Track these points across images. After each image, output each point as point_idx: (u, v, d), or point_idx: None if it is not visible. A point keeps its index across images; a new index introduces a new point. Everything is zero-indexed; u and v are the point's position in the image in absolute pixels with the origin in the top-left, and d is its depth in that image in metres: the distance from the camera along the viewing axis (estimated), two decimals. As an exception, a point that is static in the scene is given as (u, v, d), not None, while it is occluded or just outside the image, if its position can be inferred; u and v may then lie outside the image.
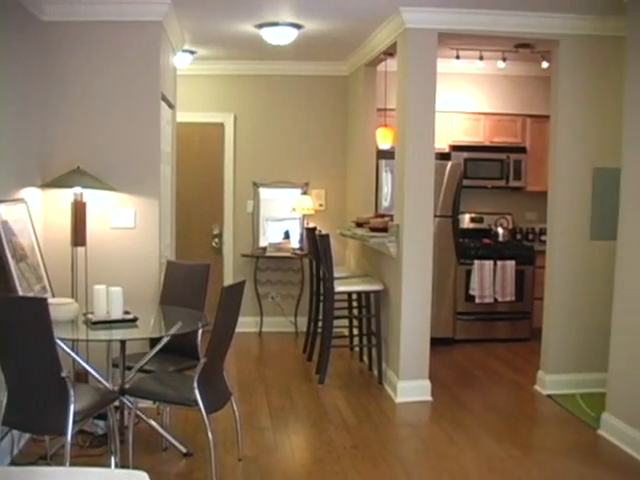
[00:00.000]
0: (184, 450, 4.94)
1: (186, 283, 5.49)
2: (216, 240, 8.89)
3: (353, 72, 8.53)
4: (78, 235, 5.46)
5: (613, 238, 5.53)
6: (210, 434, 4.33)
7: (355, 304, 7.46)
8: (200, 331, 4.92)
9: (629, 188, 5.31)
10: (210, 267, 5.54)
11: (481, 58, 8.09)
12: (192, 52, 7.78)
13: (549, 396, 6.40)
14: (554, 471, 4.85)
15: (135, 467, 4.26)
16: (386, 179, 8.39)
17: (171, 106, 6.73)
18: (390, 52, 6.97)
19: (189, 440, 5.08)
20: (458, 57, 8.00)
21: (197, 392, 4.34)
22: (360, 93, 8.22)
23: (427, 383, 6.30)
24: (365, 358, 7.37)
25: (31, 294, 4.86)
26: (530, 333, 8.48)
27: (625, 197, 5.36)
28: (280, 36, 6.71)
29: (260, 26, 6.61)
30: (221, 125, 8.80)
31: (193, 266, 5.66)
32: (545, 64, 7.96)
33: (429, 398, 6.26)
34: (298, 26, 6.62)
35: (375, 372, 6.87)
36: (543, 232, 8.37)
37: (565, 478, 4.75)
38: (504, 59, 8.18)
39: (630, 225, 5.28)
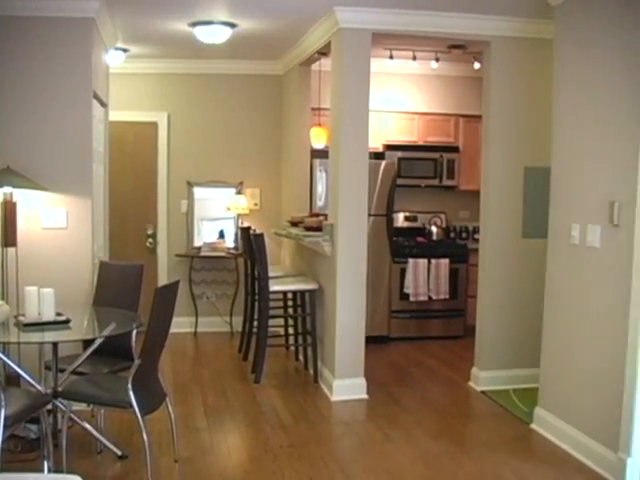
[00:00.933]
0: (119, 453, 4.88)
1: (120, 284, 5.42)
2: (150, 240, 8.81)
3: (287, 71, 8.53)
4: (8, 235, 5.36)
5: (544, 236, 5.63)
6: (145, 436, 4.28)
7: (290, 303, 7.46)
8: (134, 332, 4.88)
9: (558, 187, 5.42)
10: (144, 267, 5.49)
11: (414, 58, 8.15)
12: (125, 50, 7.69)
13: (483, 392, 6.49)
14: (489, 466, 4.92)
15: (69, 471, 4.20)
16: (320, 178, 8.41)
17: (103, 105, 6.63)
18: (324, 52, 6.98)
19: (124, 442, 5.02)
20: (392, 57, 8.06)
21: (132, 394, 4.29)
22: (294, 92, 8.23)
23: (362, 381, 6.34)
24: (301, 357, 7.37)
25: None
26: (464, 330, 8.59)
27: (554, 196, 5.46)
28: (214, 35, 6.66)
29: (194, 24, 6.56)
30: (155, 124, 8.71)
31: (127, 266, 5.60)
32: (477, 65, 8.07)
33: (365, 396, 6.30)
34: (232, 25, 6.59)
35: (311, 371, 6.88)
36: (476, 230, 8.50)
37: (500, 472, 4.81)
38: (437, 59, 8.26)
39: (559, 223, 5.38)
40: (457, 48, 7.39)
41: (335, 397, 6.25)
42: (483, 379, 6.58)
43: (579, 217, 5.12)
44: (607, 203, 4.79)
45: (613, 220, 4.73)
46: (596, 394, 4.93)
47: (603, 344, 4.86)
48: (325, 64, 7.46)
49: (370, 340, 6.83)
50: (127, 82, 8.34)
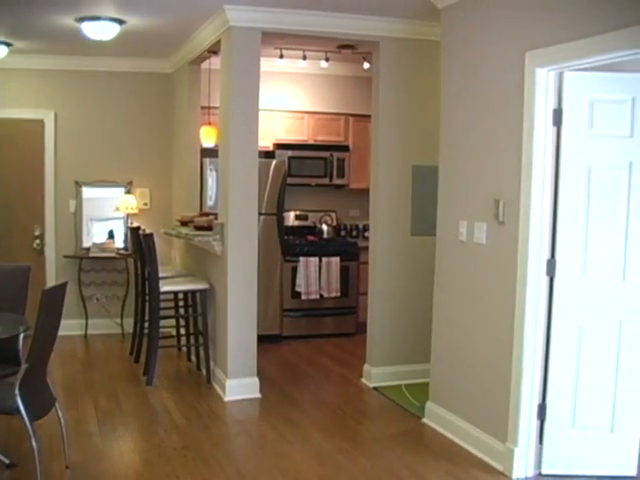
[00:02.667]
0: (7, 461, 4.71)
1: (5, 286, 5.26)
2: (37, 241, 8.56)
3: (177, 69, 8.44)
4: None
5: (432, 233, 5.74)
6: (34, 442, 4.15)
7: (182, 303, 7.40)
8: (21, 336, 4.74)
9: (445, 185, 5.54)
10: (31, 269, 5.35)
11: (304, 58, 8.20)
12: (8, 44, 7.43)
13: (375, 388, 6.57)
14: (383, 461, 4.99)
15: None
16: (211, 177, 8.35)
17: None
18: (214, 50, 6.94)
19: (12, 450, 4.85)
20: (282, 56, 8.07)
21: (19, 399, 4.16)
22: (184, 91, 8.14)
23: (255, 381, 6.33)
24: (193, 358, 7.31)
25: None
26: (356, 328, 8.67)
27: (442, 194, 5.59)
28: (101, 31, 6.52)
29: (81, 20, 6.39)
30: (41, 122, 8.45)
31: (13, 268, 5.44)
32: (366, 65, 8.17)
33: (258, 395, 6.29)
34: (120, 21, 6.46)
35: (203, 371, 6.83)
36: (366, 228, 8.59)
37: (393, 467, 4.88)
38: (327, 59, 8.33)
39: (447, 221, 5.50)
40: (347, 48, 7.47)
41: (228, 397, 6.22)
42: (375, 375, 6.67)
43: (466, 215, 5.25)
44: (492, 201, 4.93)
45: (498, 218, 4.87)
46: (484, 387, 5.07)
47: (490, 338, 5.00)
48: (215, 62, 7.41)
49: (262, 339, 6.84)
50: (11, 78, 8.11)
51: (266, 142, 8.66)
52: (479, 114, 5.12)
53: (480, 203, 5.08)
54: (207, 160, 8.34)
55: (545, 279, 4.63)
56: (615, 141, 4.54)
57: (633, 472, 3.94)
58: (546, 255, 4.62)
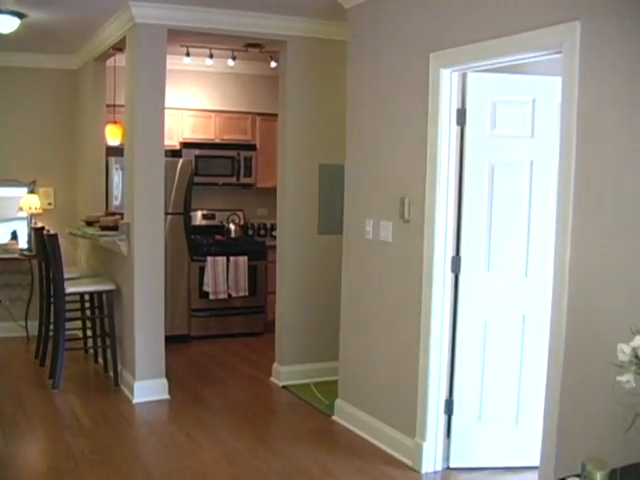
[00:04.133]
0: None
1: None
2: (-64, 243, 8.30)
3: (82, 66, 8.27)
4: None
5: (339, 232, 5.79)
6: None
7: (88, 305, 7.26)
8: None
9: (352, 184, 5.59)
10: None
11: (211, 56, 8.16)
12: None
13: (285, 387, 6.60)
14: (293, 459, 5.00)
15: None
16: (117, 177, 8.23)
17: None
18: (120, 47, 6.83)
19: None
20: (188, 54, 8.01)
21: None
22: (89, 88, 7.99)
23: (164, 382, 6.26)
24: (100, 360, 7.19)
25: None
26: (265, 327, 8.66)
27: (349, 192, 5.63)
28: (1, 24, 6.33)
29: (-23, 12, 6.21)
30: (-61, 120, 8.19)
31: None
32: (274, 64, 8.17)
33: (167, 397, 6.23)
34: (20, 15, 6.28)
35: (111, 373, 6.71)
36: (274, 227, 8.59)
37: (304, 465, 4.90)
38: (234, 58, 8.30)
39: (353, 219, 5.55)
40: (254, 47, 7.48)
41: (137, 399, 6.14)
42: (284, 374, 6.68)
43: (372, 213, 5.31)
44: (398, 200, 5.00)
45: (404, 216, 4.95)
46: (392, 384, 5.14)
47: (397, 335, 5.07)
48: (121, 60, 7.29)
49: (171, 340, 6.76)
50: None
51: (172, 141, 8.57)
52: (385, 114, 5.18)
53: (386, 201, 5.15)
54: (112, 159, 8.21)
55: (450, 276, 4.73)
56: (517, 141, 4.66)
57: (536, 462, 4.06)
58: (451, 252, 4.71)
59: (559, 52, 3.79)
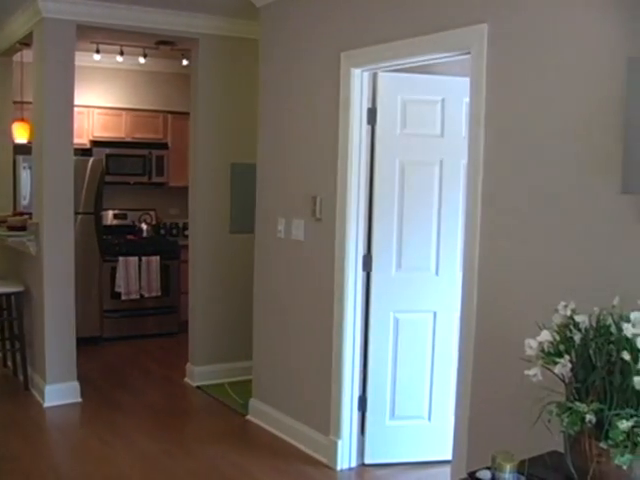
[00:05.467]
0: None
1: None
2: None
3: (-14, 62, 8.06)
4: None
5: (251, 231, 5.79)
6: None
7: (-5, 307, 7.09)
8: None
9: (263, 183, 5.59)
10: None
11: (122, 53, 8.04)
12: None
13: (199, 387, 6.55)
14: (208, 460, 4.98)
15: None
16: (25, 175, 8.04)
17: None
18: (27, 42, 6.66)
19: None
20: (98, 51, 7.86)
21: None
22: (-6, 84, 7.80)
23: (76, 385, 6.15)
24: (10, 363, 7.01)
25: None
26: (178, 327, 8.58)
27: (260, 191, 5.63)
28: None
29: None
30: None
31: None
32: (185, 62, 8.10)
33: (79, 400, 6.11)
34: None
35: (21, 377, 6.55)
36: (187, 227, 8.51)
37: (220, 465, 4.89)
38: (145, 55, 8.20)
39: (265, 218, 5.55)
40: (165, 44, 7.40)
41: (47, 403, 6.01)
42: (198, 374, 6.64)
43: (284, 212, 5.32)
44: (310, 198, 5.02)
45: (316, 214, 4.97)
46: (306, 382, 5.15)
47: (311, 333, 5.09)
48: (28, 55, 7.11)
49: (82, 342, 6.65)
50: None
51: (82, 139, 8.42)
52: (296, 112, 5.20)
53: (298, 200, 5.16)
54: (20, 157, 8.02)
55: (362, 274, 4.77)
56: (427, 140, 4.73)
57: (449, 456, 4.14)
58: (362, 251, 4.76)
59: (467, 53, 3.86)
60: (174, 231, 9.46)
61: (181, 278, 8.62)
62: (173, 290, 8.74)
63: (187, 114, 7.11)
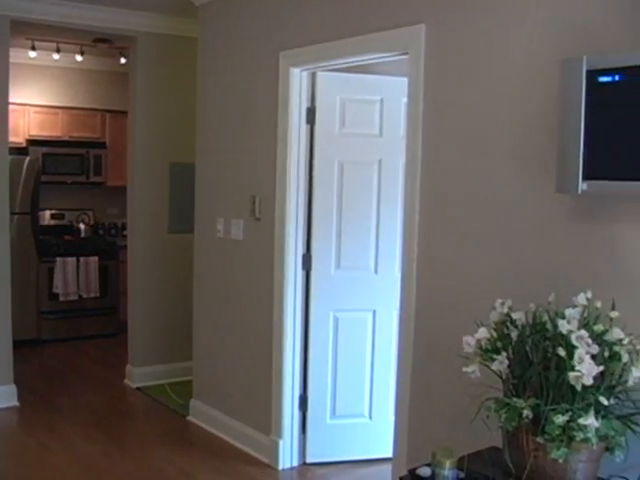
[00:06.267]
0: None
1: None
2: None
3: None
4: None
5: (191, 231, 5.75)
6: None
7: None
8: None
9: (202, 182, 5.56)
10: None
11: (58, 50, 7.91)
12: None
13: (139, 389, 6.50)
14: (149, 462, 4.94)
15: None
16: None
17: None
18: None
19: None
20: (34, 48, 7.71)
21: None
22: None
23: (13, 388, 6.03)
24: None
25: None
26: (118, 328, 8.48)
27: (199, 191, 5.60)
28: None
29: None
30: None
31: None
32: (123, 60, 8.01)
33: (16, 404, 6.00)
34: None
35: (-46, 382, 6.44)
36: (125, 227, 8.43)
37: (160, 467, 4.85)
38: (82, 53, 8.08)
39: (204, 218, 5.53)
40: (103, 42, 7.30)
41: (-17, 407, 5.91)
42: (138, 375, 6.58)
43: (223, 211, 5.31)
44: (249, 198, 5.01)
45: (255, 214, 4.96)
46: (247, 382, 5.15)
47: (251, 333, 5.08)
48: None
49: (19, 344, 6.54)
50: None
51: (18, 138, 8.27)
52: (236, 112, 5.18)
53: (237, 200, 5.15)
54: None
55: (301, 273, 4.78)
56: (365, 140, 4.75)
57: (390, 454, 4.16)
58: (302, 250, 4.76)
59: (405, 54, 3.89)
60: (113, 231, 9.36)
61: (120, 279, 8.52)
62: (112, 291, 8.64)
63: (125, 113, 7.04)
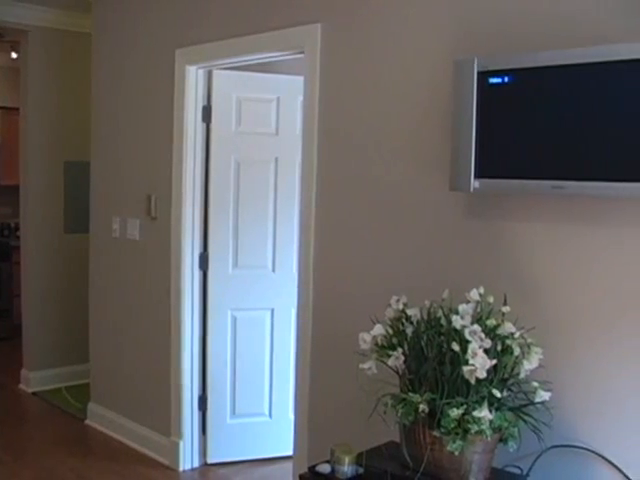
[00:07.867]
0: None
1: None
2: None
3: None
4: None
5: (87, 231, 5.65)
6: None
7: None
8: None
9: (98, 181, 5.47)
10: None
11: (-55, 44, 7.68)
12: None
13: (35, 393, 6.35)
14: (47, 468, 4.82)
15: None
16: None
17: None
18: None
19: None
20: None
21: None
22: None
23: None
24: None
25: None
26: (12, 331, 8.25)
27: (95, 190, 5.51)
28: None
29: None
30: None
31: None
32: (15, 54, 7.81)
33: None
34: None
35: None
36: (19, 227, 8.22)
37: (59, 472, 4.75)
38: (-29, 47, 7.86)
39: (100, 217, 5.45)
40: (-8, 36, 7.11)
41: None
42: (34, 380, 6.42)
43: (119, 211, 5.24)
44: (145, 197, 4.96)
45: (151, 213, 4.91)
46: (145, 383, 5.10)
47: (148, 334, 5.03)
48: None
49: None
50: None
51: None
52: (131, 110, 5.12)
53: (133, 199, 5.09)
54: None
55: (199, 273, 4.75)
56: (262, 138, 4.76)
57: (290, 452, 4.19)
58: (199, 249, 4.73)
59: (301, 52, 3.90)
60: (5, 232, 9.10)
61: (14, 280, 8.30)
62: (5, 293, 8.41)
63: (17, 109, 6.85)
